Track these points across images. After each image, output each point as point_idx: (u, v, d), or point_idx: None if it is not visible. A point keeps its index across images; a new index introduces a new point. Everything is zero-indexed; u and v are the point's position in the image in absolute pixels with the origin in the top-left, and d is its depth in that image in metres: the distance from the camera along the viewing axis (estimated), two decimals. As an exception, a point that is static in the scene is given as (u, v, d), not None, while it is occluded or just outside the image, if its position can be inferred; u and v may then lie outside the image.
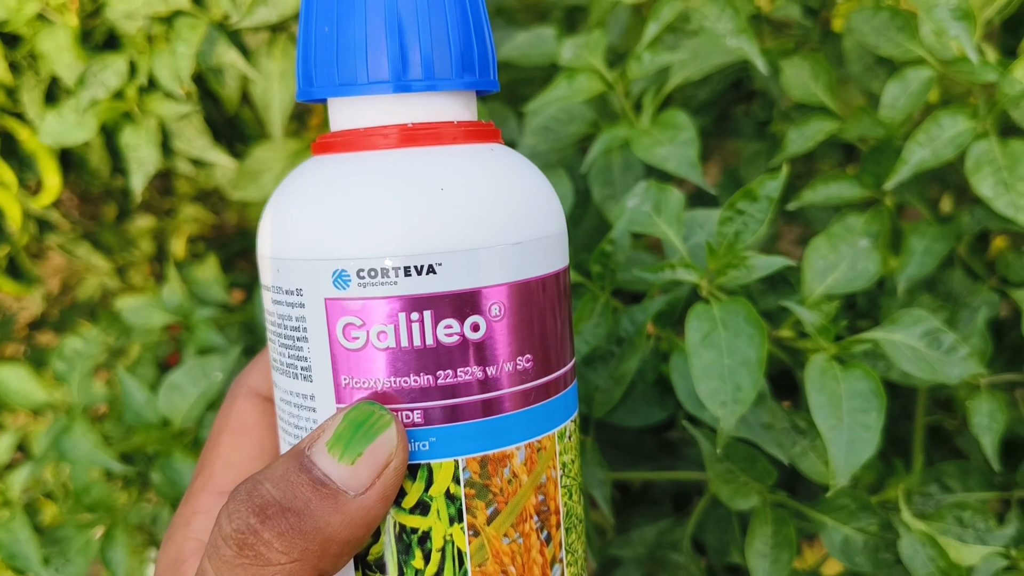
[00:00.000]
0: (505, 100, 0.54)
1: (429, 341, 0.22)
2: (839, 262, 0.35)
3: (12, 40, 0.52)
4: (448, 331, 0.22)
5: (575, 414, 0.25)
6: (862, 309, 0.42)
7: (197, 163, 0.54)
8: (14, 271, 0.62)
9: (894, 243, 0.42)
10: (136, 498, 0.48)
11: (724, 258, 0.33)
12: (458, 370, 0.22)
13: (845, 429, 0.30)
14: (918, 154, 0.37)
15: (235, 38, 0.49)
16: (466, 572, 0.22)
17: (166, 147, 0.52)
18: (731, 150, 0.62)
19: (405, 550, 0.22)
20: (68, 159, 0.58)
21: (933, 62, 0.39)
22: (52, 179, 0.53)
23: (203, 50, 0.48)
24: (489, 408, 0.22)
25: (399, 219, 0.22)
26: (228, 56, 0.48)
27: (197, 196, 0.71)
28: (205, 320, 0.50)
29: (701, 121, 0.50)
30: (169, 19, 0.48)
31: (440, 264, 0.21)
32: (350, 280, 0.22)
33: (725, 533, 0.39)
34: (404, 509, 0.22)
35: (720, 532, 0.39)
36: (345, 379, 0.22)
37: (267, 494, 0.21)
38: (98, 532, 0.46)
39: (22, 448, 0.55)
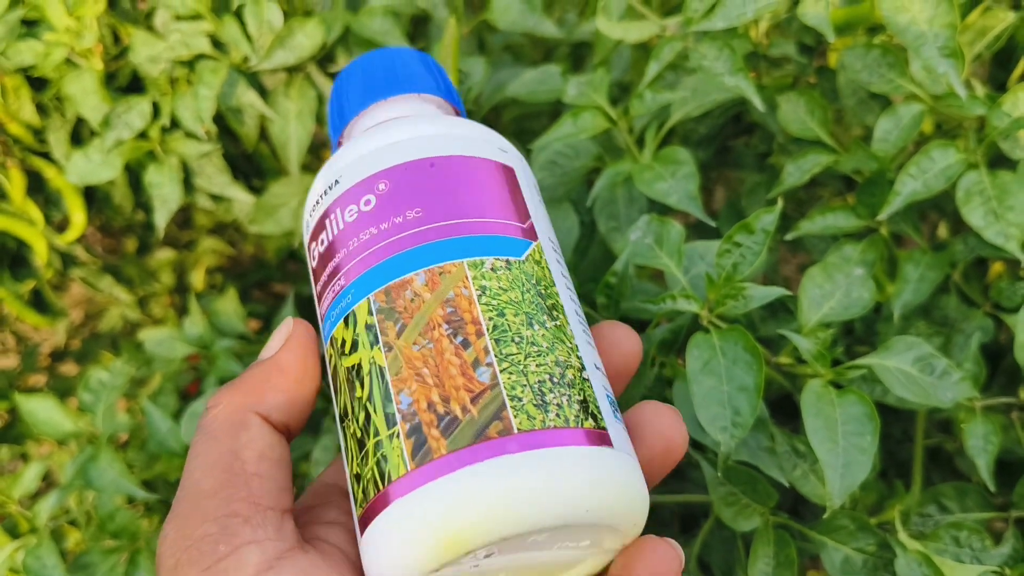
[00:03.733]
0: (513, 135, 0.56)
1: (341, 225, 0.28)
2: (834, 291, 0.36)
3: (40, 83, 0.54)
4: (350, 212, 0.28)
5: (513, 257, 0.27)
6: (860, 335, 0.44)
7: (217, 198, 0.56)
8: (39, 304, 0.64)
9: (890, 270, 0.43)
10: (158, 524, 0.49)
11: (723, 289, 0.34)
12: (360, 234, 0.27)
13: (841, 452, 0.32)
14: (910, 186, 0.38)
15: (254, 80, 0.51)
16: (387, 384, 0.25)
17: (187, 184, 0.54)
18: (735, 178, 0.63)
19: (351, 388, 0.26)
20: (91, 195, 0.60)
21: (924, 97, 0.40)
22: (78, 216, 0.55)
23: (224, 92, 0.50)
24: (387, 251, 0.27)
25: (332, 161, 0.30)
26: (247, 97, 0.50)
27: (215, 228, 0.73)
28: (225, 351, 0.51)
29: (702, 154, 0.51)
30: (191, 63, 0.50)
31: (340, 177, 0.29)
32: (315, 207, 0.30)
33: (730, 554, 0.40)
34: (345, 354, 0.26)
35: (725, 553, 0.41)
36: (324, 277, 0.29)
37: None
38: (123, 558, 0.47)
39: (45, 477, 0.57)
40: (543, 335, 0.26)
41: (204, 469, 0.25)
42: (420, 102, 0.32)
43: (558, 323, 0.26)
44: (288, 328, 0.29)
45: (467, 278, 0.26)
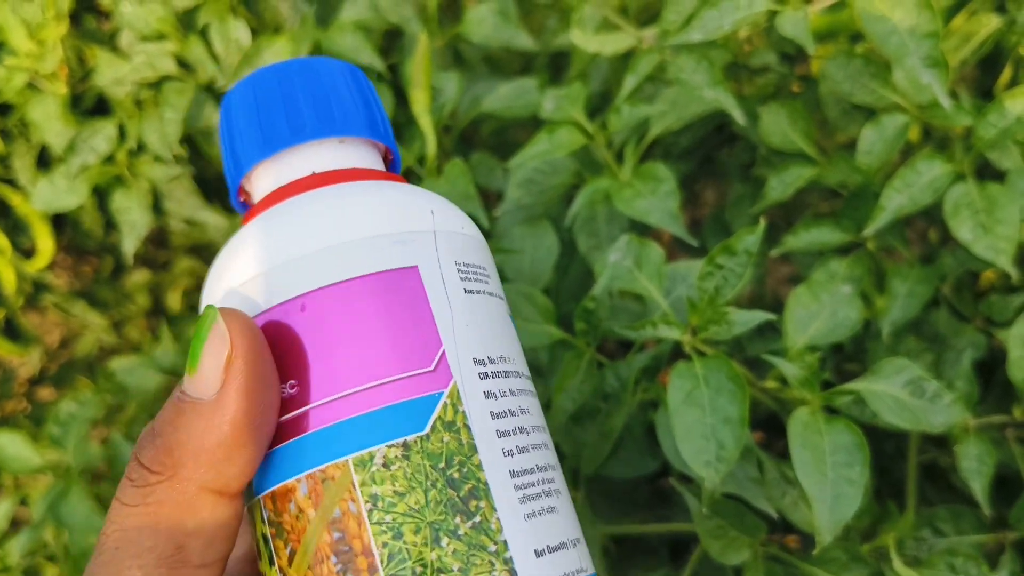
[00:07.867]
0: (492, 149, 0.55)
1: None
2: (821, 311, 0.35)
3: (3, 109, 0.53)
4: None
5: (413, 435, 0.21)
6: (849, 352, 0.42)
7: (189, 221, 0.55)
8: (11, 332, 0.63)
9: (879, 283, 0.42)
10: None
11: (706, 313, 0.33)
12: None
13: (829, 484, 0.30)
14: (896, 200, 0.37)
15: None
16: None
17: (158, 208, 0.52)
18: (721, 190, 0.62)
19: None
20: (62, 218, 0.59)
21: (908, 107, 0.39)
22: (45, 243, 0.54)
23: (191, 113, 0.49)
24: (271, 440, 0.22)
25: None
26: (215, 118, 0.49)
27: (191, 248, 0.71)
28: (199, 379, 0.50)
29: (685, 167, 0.50)
30: (157, 84, 0.49)
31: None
32: None
33: (720, 583, 0.39)
34: (259, 556, 0.22)
35: (715, 582, 0.39)
36: None
37: (146, 430, 0.21)
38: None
39: (24, 502, 0.55)
40: (455, 551, 0.21)
41: (132, 556, 0.20)
42: (325, 153, 0.24)
43: (477, 520, 0.21)
44: (225, 342, 0.20)
45: (353, 485, 0.21)
